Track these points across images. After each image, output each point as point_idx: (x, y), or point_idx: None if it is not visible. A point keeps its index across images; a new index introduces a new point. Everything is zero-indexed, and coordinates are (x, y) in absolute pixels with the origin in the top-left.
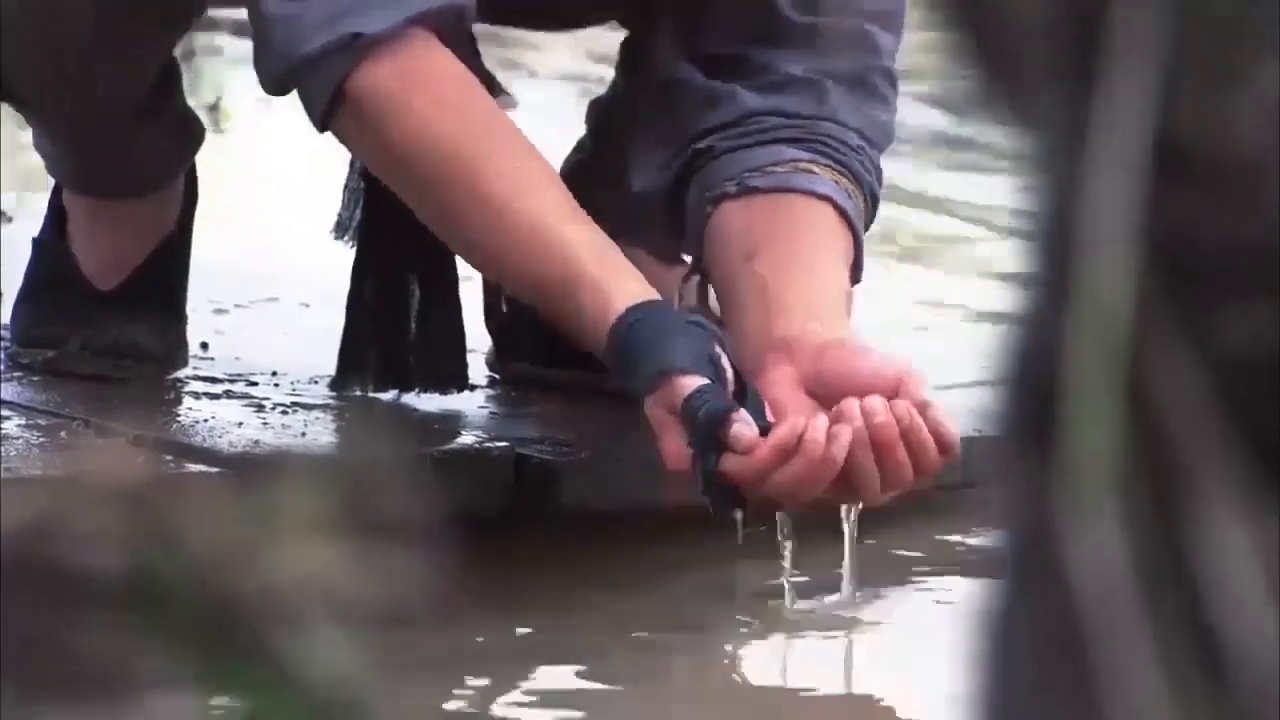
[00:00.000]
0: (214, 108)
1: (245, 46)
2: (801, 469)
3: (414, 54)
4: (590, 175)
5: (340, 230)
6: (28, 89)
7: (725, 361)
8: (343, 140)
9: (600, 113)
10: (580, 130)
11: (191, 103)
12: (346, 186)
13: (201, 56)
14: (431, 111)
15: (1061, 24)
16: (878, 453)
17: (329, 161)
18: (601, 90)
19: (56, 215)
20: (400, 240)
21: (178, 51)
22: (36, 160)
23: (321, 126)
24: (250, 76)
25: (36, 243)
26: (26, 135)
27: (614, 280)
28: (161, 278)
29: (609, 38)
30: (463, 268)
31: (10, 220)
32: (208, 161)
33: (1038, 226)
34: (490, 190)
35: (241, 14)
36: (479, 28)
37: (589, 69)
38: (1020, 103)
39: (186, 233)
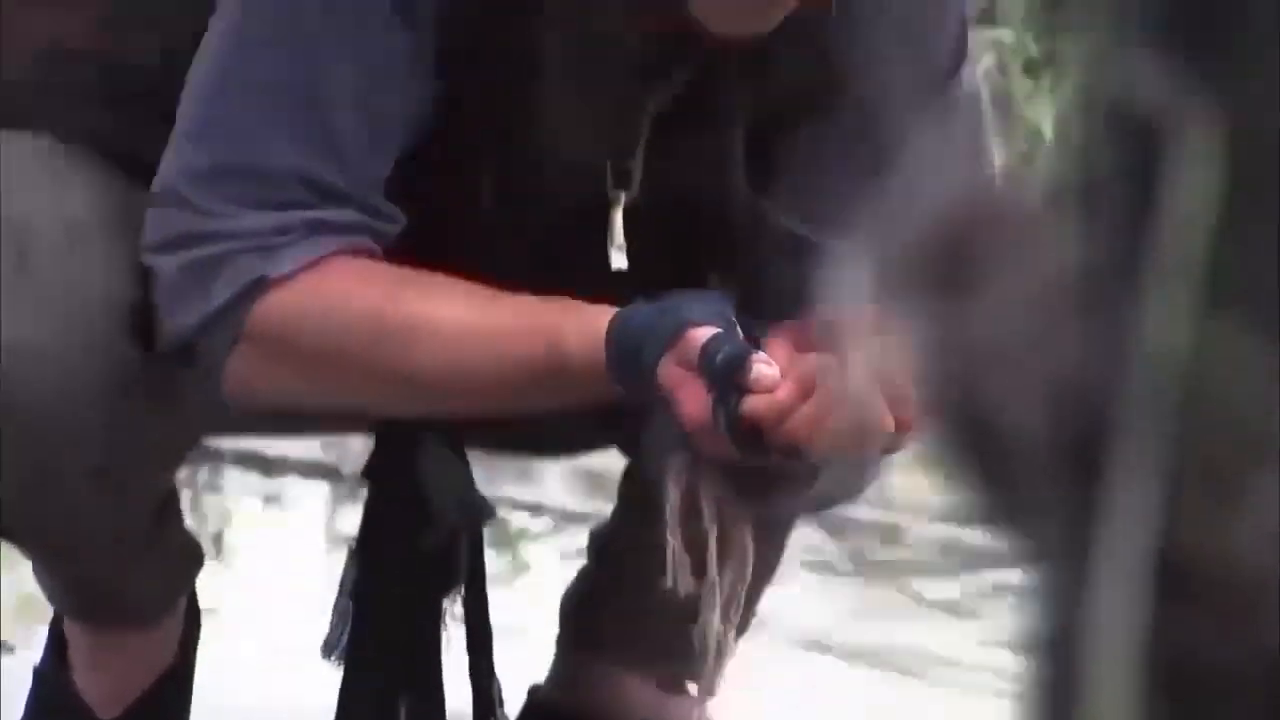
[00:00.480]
0: (217, 538)
1: (250, 479)
2: (824, 404)
3: (323, 271)
4: (595, 605)
5: (328, 649)
6: (21, 524)
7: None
8: (249, 387)
9: (602, 542)
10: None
11: (193, 528)
12: (335, 608)
13: (204, 490)
14: (350, 289)
15: (1062, 444)
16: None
17: (331, 585)
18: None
19: (57, 643)
20: (389, 660)
21: (177, 478)
22: (37, 589)
23: (221, 385)
24: (254, 505)
25: (37, 673)
26: (27, 565)
27: (588, 309)
28: (164, 707)
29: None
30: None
31: (11, 651)
32: (208, 584)
33: (1039, 643)
34: (435, 320)
35: (243, 444)
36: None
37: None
38: (1021, 520)
39: (188, 660)
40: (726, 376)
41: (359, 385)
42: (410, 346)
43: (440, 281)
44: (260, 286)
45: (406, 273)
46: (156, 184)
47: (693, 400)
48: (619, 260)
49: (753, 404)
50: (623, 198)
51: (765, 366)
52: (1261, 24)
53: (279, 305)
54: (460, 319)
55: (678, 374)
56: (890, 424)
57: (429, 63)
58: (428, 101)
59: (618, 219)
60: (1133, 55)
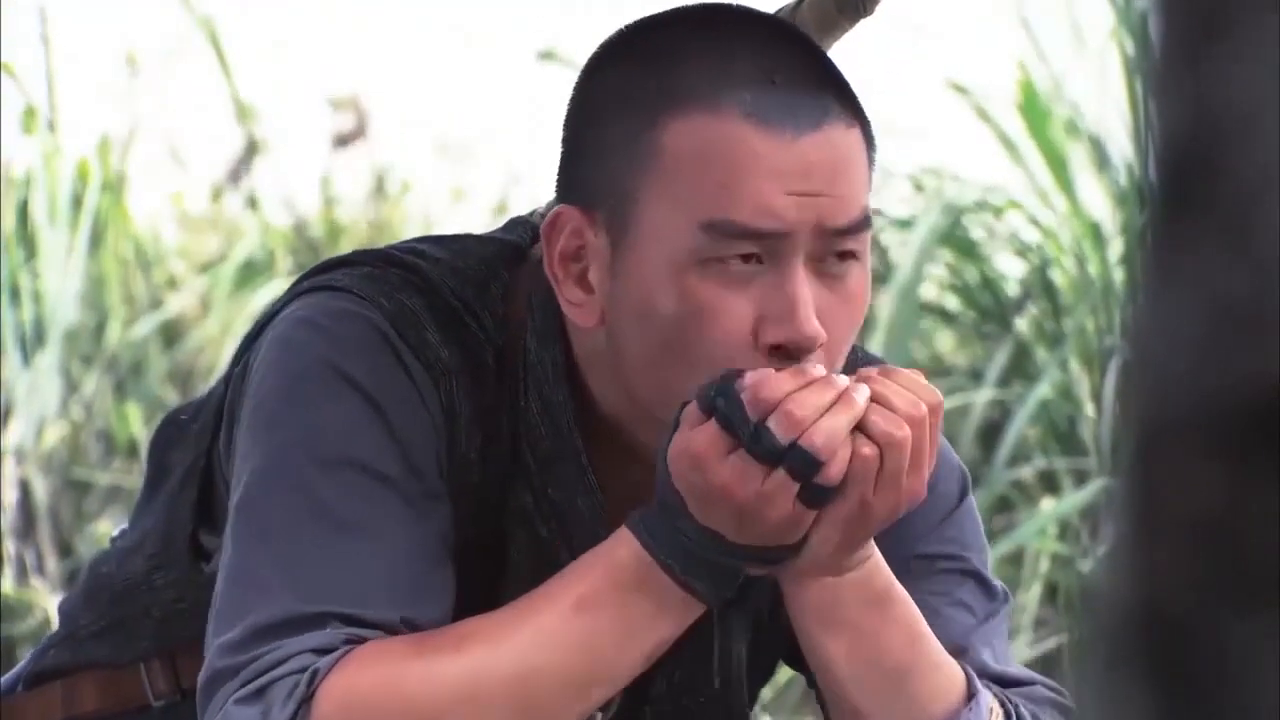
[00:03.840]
0: None
1: None
2: (823, 390)
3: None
4: None
5: None
6: None
7: None
8: None
9: None
10: None
11: None
12: None
13: None
14: (410, 667)
15: None
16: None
17: None
18: None
19: None
20: None
21: None
22: None
23: None
24: None
25: None
26: None
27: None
28: None
29: None
30: None
31: None
32: None
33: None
34: (520, 647)
35: None
36: None
37: None
38: None
39: None
40: (726, 388)
41: None
42: (524, 684)
43: (467, 626)
44: (313, 681)
45: (436, 635)
46: (200, 680)
47: (699, 433)
48: None
49: (751, 379)
50: (600, 718)
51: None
52: None
53: (342, 692)
54: (535, 630)
55: (682, 435)
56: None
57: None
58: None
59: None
60: None
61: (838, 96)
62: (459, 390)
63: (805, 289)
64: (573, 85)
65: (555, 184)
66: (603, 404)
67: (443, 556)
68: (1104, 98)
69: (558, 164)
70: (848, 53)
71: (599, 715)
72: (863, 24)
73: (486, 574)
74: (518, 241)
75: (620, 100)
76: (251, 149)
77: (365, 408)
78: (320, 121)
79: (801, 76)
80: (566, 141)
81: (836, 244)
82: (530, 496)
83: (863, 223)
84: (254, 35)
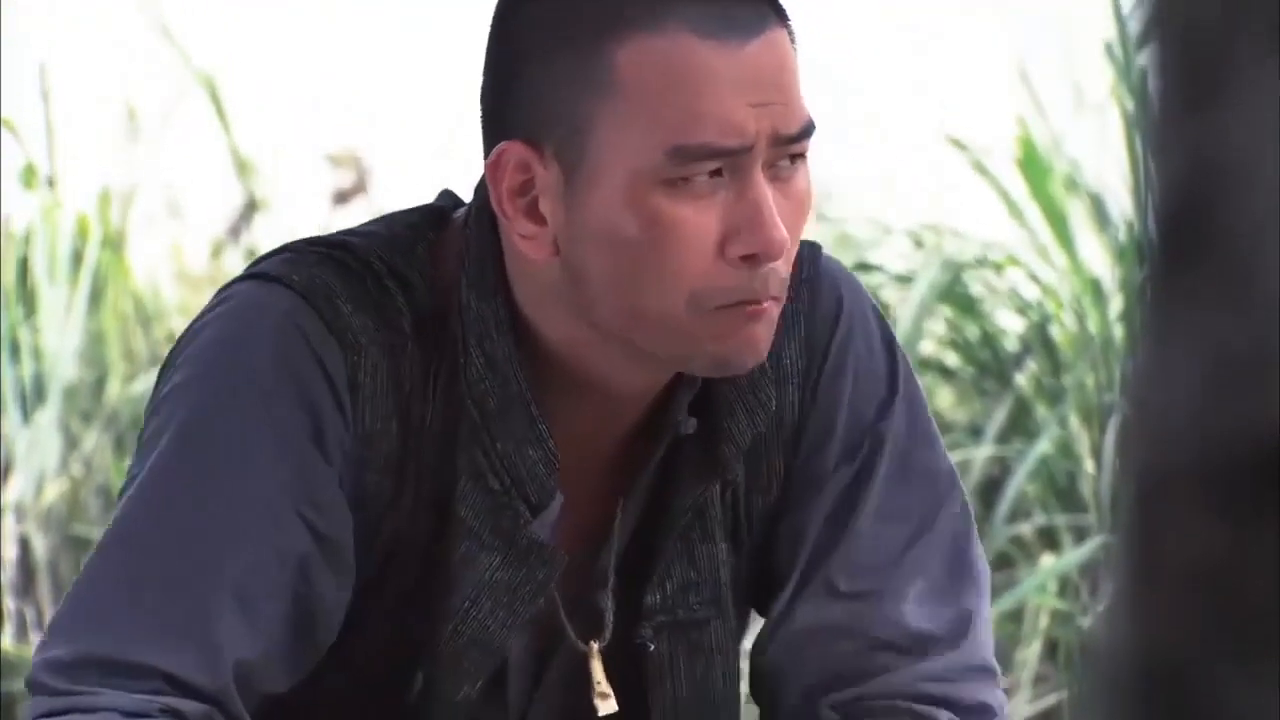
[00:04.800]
0: None
1: None
2: None
3: None
4: None
5: None
6: None
7: None
8: None
9: None
10: None
11: None
12: None
13: None
14: None
15: None
16: None
17: None
18: None
19: None
20: None
21: None
22: None
23: None
24: None
25: None
26: None
27: None
28: None
29: None
30: None
31: None
32: None
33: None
34: None
35: None
36: None
37: None
38: None
39: None
40: None
41: None
42: None
43: None
44: None
45: None
46: (27, 676)
47: None
48: (607, 707)
49: None
50: (595, 647)
51: None
52: None
53: None
54: None
55: None
56: None
57: (340, 566)
58: (335, 608)
59: (598, 668)
60: None
61: (779, 16)
62: (379, 360)
63: (769, 199)
64: (494, 16)
65: (487, 122)
66: (554, 344)
67: (315, 611)
68: (1104, 154)
69: (487, 101)
70: (850, 106)
71: (593, 644)
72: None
73: (437, 531)
74: (442, 204)
75: (554, 29)
76: (252, 205)
77: (260, 446)
78: (320, 178)
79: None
80: (497, 76)
81: (788, 149)
82: (480, 451)
83: (810, 126)
84: (254, 91)
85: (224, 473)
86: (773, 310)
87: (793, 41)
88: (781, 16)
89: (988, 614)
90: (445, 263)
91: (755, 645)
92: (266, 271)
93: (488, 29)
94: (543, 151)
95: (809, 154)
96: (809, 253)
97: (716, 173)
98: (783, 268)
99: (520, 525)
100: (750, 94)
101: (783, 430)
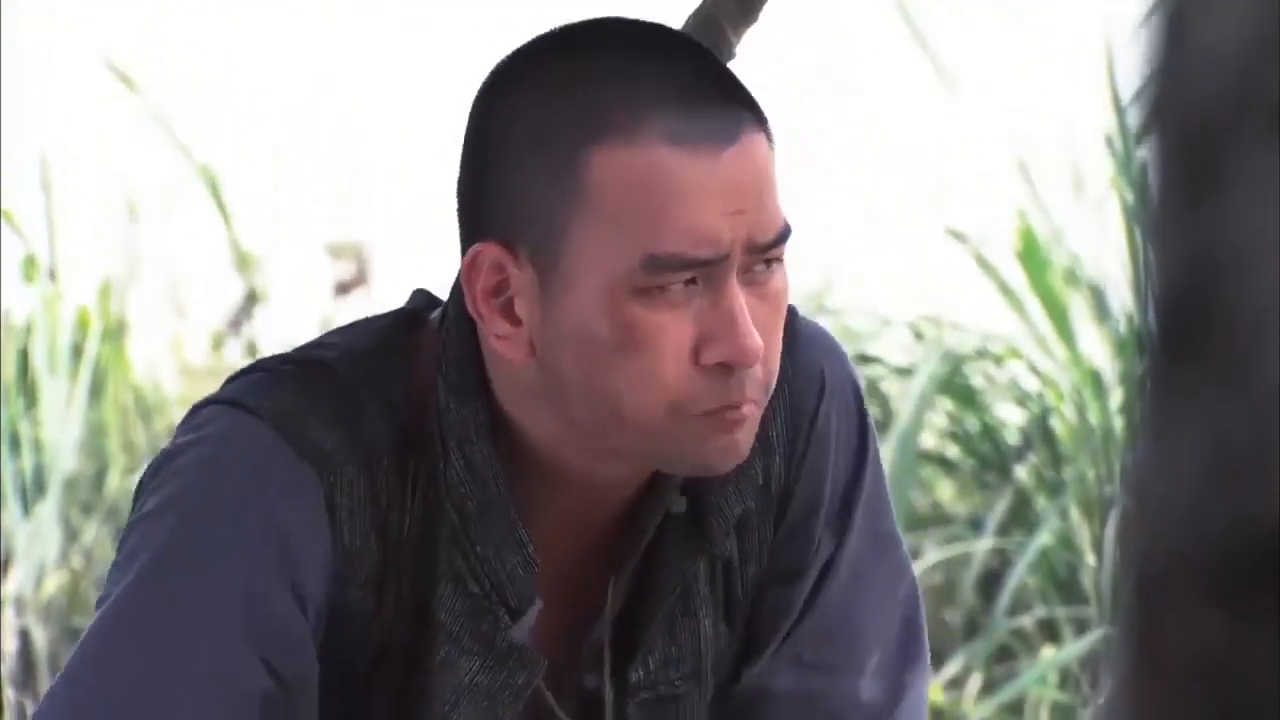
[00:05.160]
0: None
1: None
2: None
3: None
4: None
5: None
6: None
7: None
8: None
9: None
10: None
11: None
12: None
13: None
14: None
15: None
16: None
17: None
18: None
19: None
20: None
21: None
22: None
23: None
24: None
25: None
26: None
27: None
28: None
29: None
30: None
31: None
32: None
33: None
34: None
35: None
36: None
37: None
38: None
39: None
40: None
41: None
42: None
43: None
44: None
45: None
46: None
47: None
48: None
49: None
50: None
51: None
52: None
53: None
54: None
55: None
56: None
57: (305, 706)
58: None
59: None
60: None
61: (744, 103)
62: (355, 477)
63: (743, 307)
64: (471, 115)
65: (463, 219)
66: (535, 441)
67: None
68: (1103, 246)
69: (463, 200)
70: (850, 197)
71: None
72: (868, 163)
73: (417, 635)
74: (415, 306)
75: (530, 132)
76: (252, 297)
77: (225, 588)
78: (321, 269)
79: (710, 91)
80: (474, 176)
81: (764, 255)
82: (459, 555)
83: (786, 232)
84: (254, 183)
85: (185, 618)
86: (753, 414)
87: (770, 142)
88: (759, 119)
89: (925, 689)
90: (421, 366)
91: (716, 698)
92: (237, 399)
93: (466, 124)
94: (518, 254)
95: (810, 246)
96: (788, 317)
97: (691, 281)
98: (760, 372)
99: (500, 629)
100: (725, 203)
101: (769, 500)
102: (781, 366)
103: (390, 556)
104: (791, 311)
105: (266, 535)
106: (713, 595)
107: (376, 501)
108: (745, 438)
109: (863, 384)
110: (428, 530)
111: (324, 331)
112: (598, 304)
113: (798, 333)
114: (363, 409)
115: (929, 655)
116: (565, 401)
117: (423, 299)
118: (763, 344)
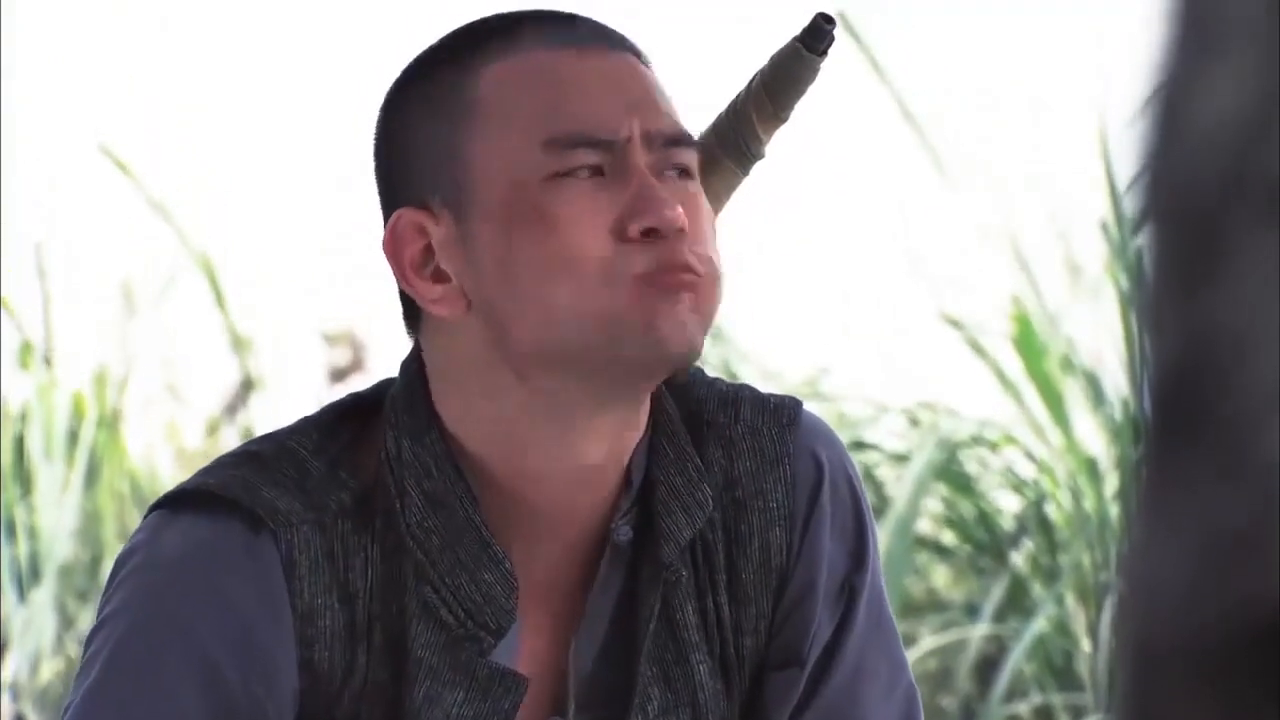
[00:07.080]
0: None
1: None
2: None
3: None
4: None
5: None
6: None
7: None
8: None
9: None
10: None
11: None
12: None
13: None
14: None
15: None
16: None
17: None
18: None
19: None
20: None
21: None
22: None
23: None
24: None
25: None
26: None
27: None
28: None
29: None
30: None
31: None
32: None
33: None
34: None
35: None
36: None
37: None
38: None
39: None
40: None
41: None
42: None
43: None
44: None
45: None
46: None
47: None
48: None
49: None
50: None
51: None
52: None
53: None
54: None
55: None
56: None
57: None
58: None
59: None
60: None
61: (630, 48)
62: (311, 536)
63: (655, 184)
64: (375, 132)
65: (384, 212)
66: (491, 466)
67: None
68: (1099, 332)
69: (380, 195)
70: (845, 283)
71: None
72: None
73: (397, 676)
74: (378, 387)
75: (421, 94)
76: (247, 383)
77: (180, 677)
78: (316, 355)
79: (593, 26)
80: (383, 166)
81: (670, 156)
82: (429, 589)
83: (687, 136)
84: (249, 270)
85: (143, 711)
86: (697, 288)
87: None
88: (645, 61)
89: None
90: (374, 429)
91: None
92: (184, 488)
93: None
94: (432, 207)
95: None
96: (789, 403)
97: (598, 171)
98: (696, 250)
99: (479, 655)
100: (616, 93)
101: (770, 573)
102: (783, 443)
103: (356, 610)
104: (793, 401)
105: (223, 620)
106: (706, 644)
107: (333, 560)
108: (690, 317)
109: (859, 472)
110: (392, 574)
111: None
112: (510, 211)
113: (797, 420)
114: (310, 474)
115: None
116: (507, 339)
117: (388, 385)
118: (684, 216)
